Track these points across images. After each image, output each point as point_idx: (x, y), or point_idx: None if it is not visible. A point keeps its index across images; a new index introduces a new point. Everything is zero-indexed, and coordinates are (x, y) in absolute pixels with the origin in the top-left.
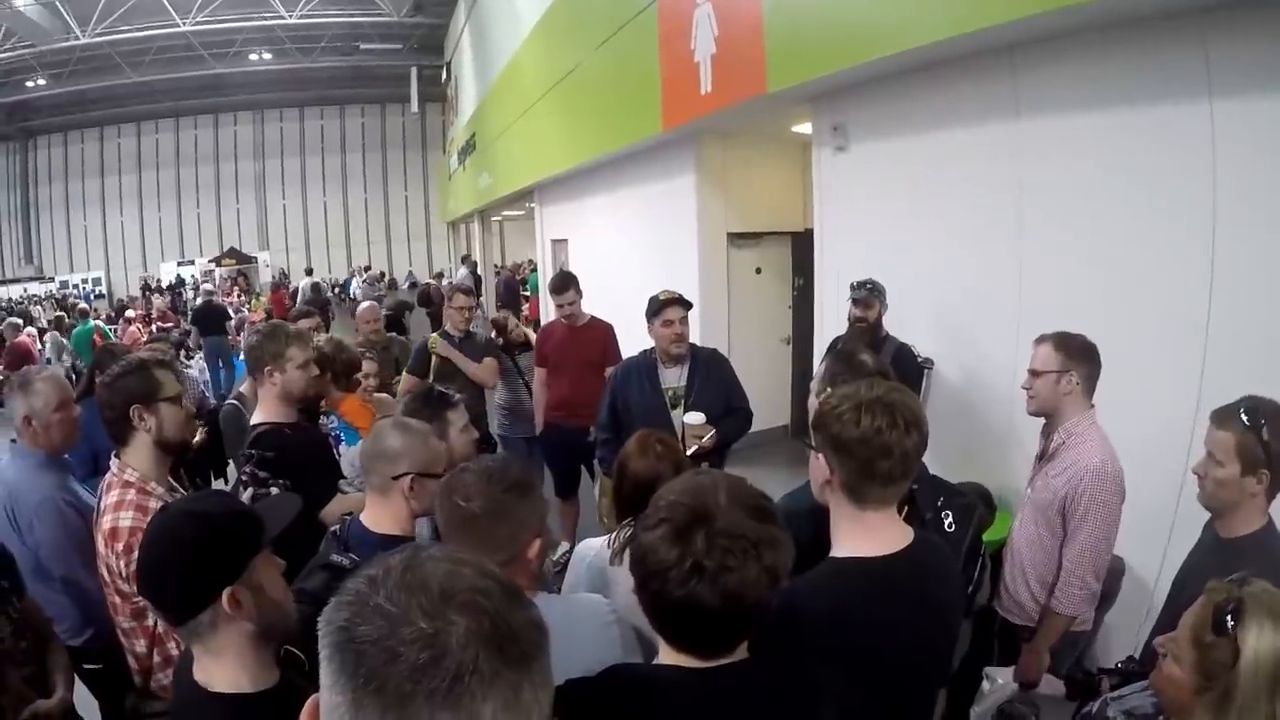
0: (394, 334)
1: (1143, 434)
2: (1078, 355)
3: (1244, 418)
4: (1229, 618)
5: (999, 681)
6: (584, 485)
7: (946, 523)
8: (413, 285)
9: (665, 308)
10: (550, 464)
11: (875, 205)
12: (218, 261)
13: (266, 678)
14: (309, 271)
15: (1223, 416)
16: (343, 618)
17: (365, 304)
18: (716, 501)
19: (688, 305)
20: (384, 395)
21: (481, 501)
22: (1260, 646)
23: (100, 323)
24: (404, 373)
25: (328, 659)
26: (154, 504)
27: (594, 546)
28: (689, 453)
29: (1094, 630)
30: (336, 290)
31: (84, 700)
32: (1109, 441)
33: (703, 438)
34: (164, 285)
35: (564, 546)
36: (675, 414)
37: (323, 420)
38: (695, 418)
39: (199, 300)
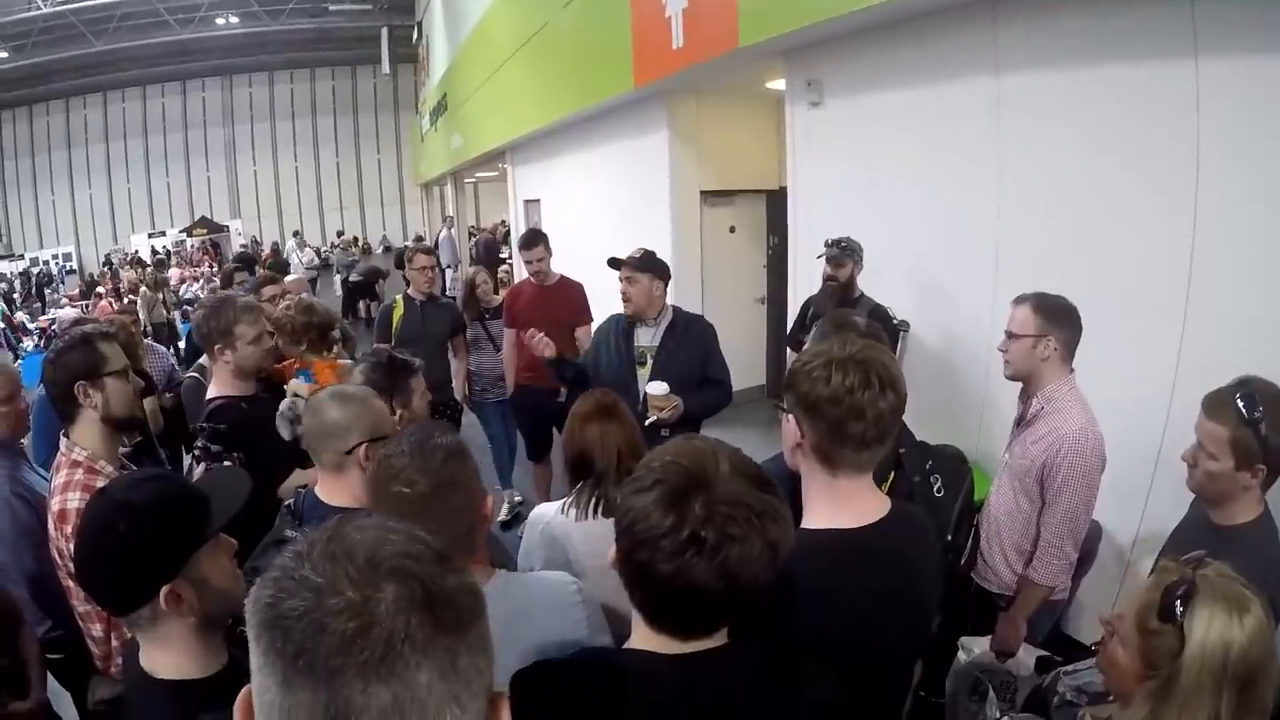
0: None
1: (1121, 397)
2: (1057, 318)
3: (1240, 407)
4: (1178, 603)
5: (975, 652)
6: (556, 447)
7: (935, 487)
8: (386, 249)
9: (619, 268)
10: (521, 427)
11: (851, 162)
12: (189, 231)
13: (213, 663)
14: (296, 234)
15: (1216, 405)
16: (268, 595)
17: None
18: (717, 467)
19: (645, 267)
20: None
21: (426, 480)
22: (1209, 637)
23: None
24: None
25: (255, 639)
26: (102, 483)
27: (547, 514)
28: (646, 422)
29: (1071, 595)
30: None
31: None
32: (1089, 407)
33: (663, 409)
34: (137, 258)
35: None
36: (642, 372)
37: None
38: (658, 387)
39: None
